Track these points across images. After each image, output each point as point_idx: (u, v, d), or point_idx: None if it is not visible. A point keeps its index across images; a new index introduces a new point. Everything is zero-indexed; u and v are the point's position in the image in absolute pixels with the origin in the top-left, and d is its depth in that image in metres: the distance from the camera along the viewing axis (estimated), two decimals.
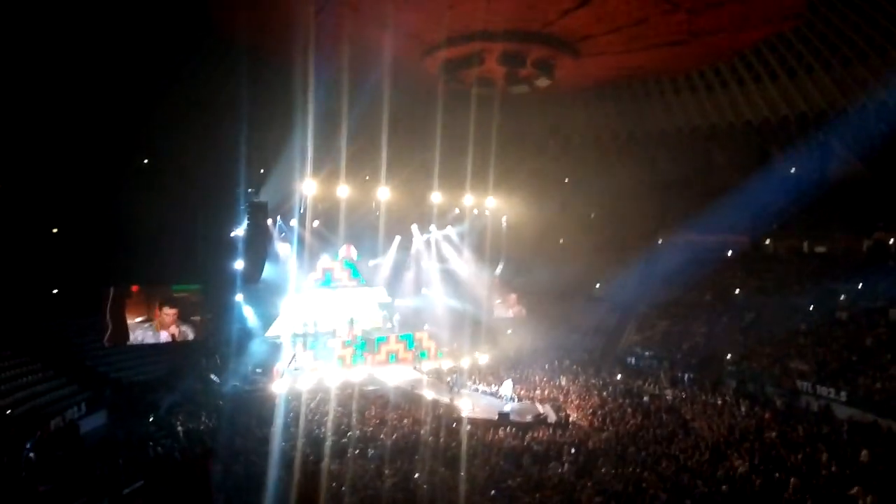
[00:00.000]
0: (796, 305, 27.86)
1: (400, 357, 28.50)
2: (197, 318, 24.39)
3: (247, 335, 25.49)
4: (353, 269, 30.53)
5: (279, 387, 22.16)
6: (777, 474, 13.89)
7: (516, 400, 22.07)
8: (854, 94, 26.76)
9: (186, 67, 26.18)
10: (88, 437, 17.94)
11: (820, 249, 32.08)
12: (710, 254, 32.53)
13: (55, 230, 26.94)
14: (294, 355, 25.09)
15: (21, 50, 21.66)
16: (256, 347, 25.21)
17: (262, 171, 27.05)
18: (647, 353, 29.00)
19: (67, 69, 23.21)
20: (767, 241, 33.79)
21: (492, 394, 22.87)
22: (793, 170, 33.21)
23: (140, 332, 23.36)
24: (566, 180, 37.67)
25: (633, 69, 29.08)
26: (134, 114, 26.01)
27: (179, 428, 17.88)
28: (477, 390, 23.36)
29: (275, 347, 25.58)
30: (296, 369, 24.88)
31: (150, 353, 24.26)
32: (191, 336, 23.98)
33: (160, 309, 23.66)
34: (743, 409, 20.40)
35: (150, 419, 19.30)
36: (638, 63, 27.94)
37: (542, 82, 27.64)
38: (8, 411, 17.56)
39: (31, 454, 14.70)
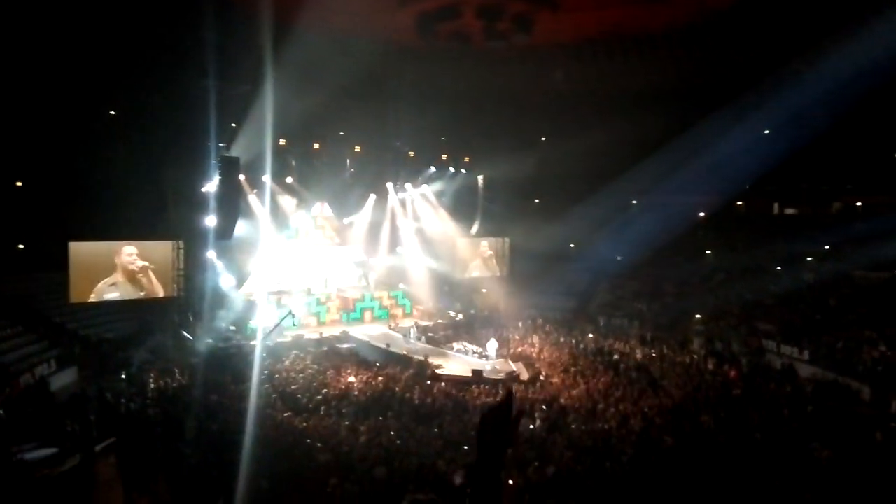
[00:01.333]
0: (765, 266, 28.43)
1: (374, 316, 28.83)
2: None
3: (220, 292, 25.24)
4: (327, 227, 30.39)
5: (254, 344, 22.09)
6: (741, 430, 14.33)
7: (498, 359, 22.15)
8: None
9: (153, 14, 25.21)
10: (59, 394, 17.77)
11: (790, 211, 32.61)
12: (683, 214, 32.86)
13: (19, 184, 26.18)
14: (290, 312, 25.03)
15: None
16: (230, 304, 25.03)
17: (233, 125, 26.40)
18: (618, 313, 29.47)
19: (30, 18, 22.19)
20: (739, 203, 34.22)
21: (476, 353, 22.98)
22: (766, 131, 33.48)
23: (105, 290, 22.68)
24: (543, 139, 37.48)
25: (612, 25, 28.68)
26: (100, 64, 25.06)
27: (152, 385, 17.79)
28: (464, 350, 23.42)
29: (249, 304, 25.43)
30: (294, 325, 24.78)
31: (120, 310, 23.95)
32: (160, 292, 23.41)
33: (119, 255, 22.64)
34: (710, 367, 20.92)
35: (122, 376, 19.16)
36: (616, 19, 27.56)
37: (521, 38, 27.17)
38: None
39: (1, 411, 14.56)
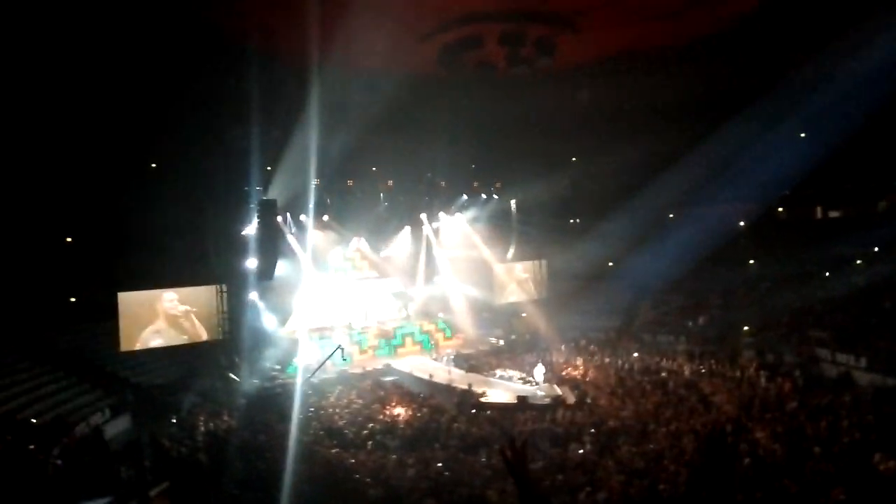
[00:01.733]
0: (812, 272, 27.63)
1: (415, 342, 28.95)
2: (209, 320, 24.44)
3: (263, 332, 25.66)
4: (365, 261, 30.79)
5: (298, 382, 22.31)
6: (800, 444, 13.84)
7: (554, 385, 21.70)
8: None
9: (189, 68, 26.20)
10: (113, 441, 18.20)
11: (834, 214, 31.73)
12: (722, 225, 32.25)
13: (69, 239, 27.20)
14: (339, 346, 25.31)
15: (27, 57, 21.72)
16: (274, 344, 25.39)
17: (268, 168, 27.07)
18: (663, 330, 28.90)
19: (74, 77, 23.28)
20: (780, 209, 33.44)
21: (521, 378, 22.71)
22: (802, 134, 32.81)
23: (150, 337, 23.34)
24: (573, 159, 37.40)
25: (633, 42, 28.69)
26: (139, 118, 26.10)
27: (202, 428, 18.08)
28: (507, 376, 23.19)
29: (292, 343, 25.75)
30: (344, 360, 25.19)
31: (168, 356, 24.50)
32: (204, 336, 23.99)
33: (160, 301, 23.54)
34: (762, 380, 20.30)
35: (173, 420, 19.53)
36: (637, 35, 27.56)
37: (544, 62, 27.36)
38: (32, 420, 17.85)
39: (59, 461, 14.97)
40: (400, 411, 18.92)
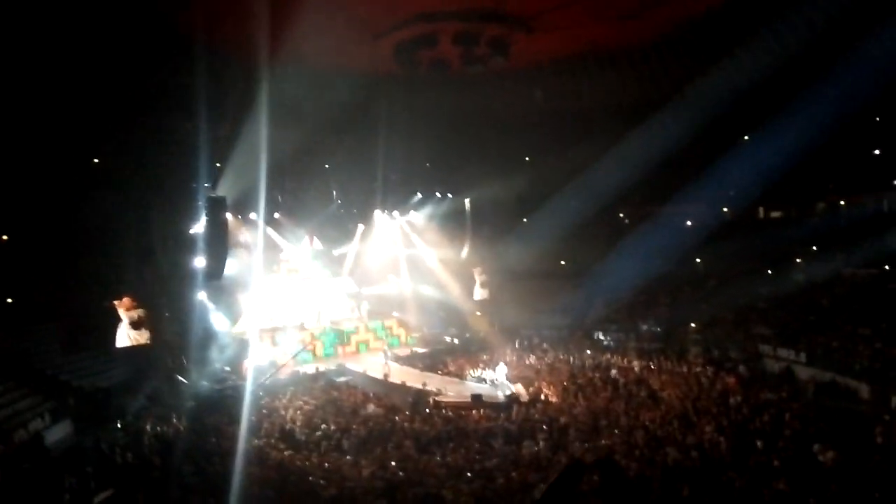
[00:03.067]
0: (755, 270, 28.59)
1: (371, 347, 28.54)
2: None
3: (212, 333, 25.08)
4: (318, 260, 30.38)
5: (248, 383, 21.89)
6: (744, 437, 14.29)
7: (508, 383, 21.64)
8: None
9: (136, 61, 25.41)
10: (55, 447, 17.49)
11: (775, 214, 32.85)
12: (671, 225, 33.04)
13: (5, 237, 26.05)
14: (302, 349, 24.93)
15: None
16: (223, 345, 24.85)
17: (217, 164, 26.48)
18: (613, 327, 29.46)
19: (13, 67, 22.28)
20: (725, 209, 34.42)
21: (484, 379, 22.70)
22: (745, 137, 33.89)
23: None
24: (527, 159, 37.75)
25: (588, 44, 29.10)
26: (83, 111, 25.17)
27: (149, 432, 17.56)
28: (476, 377, 23.18)
29: (242, 344, 25.26)
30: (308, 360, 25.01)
31: (113, 358, 23.70)
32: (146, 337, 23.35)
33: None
34: (709, 375, 20.90)
35: (118, 425, 18.90)
36: (591, 37, 27.96)
37: (498, 61, 27.52)
38: None
39: None
40: (353, 412, 18.74)
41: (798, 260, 28.03)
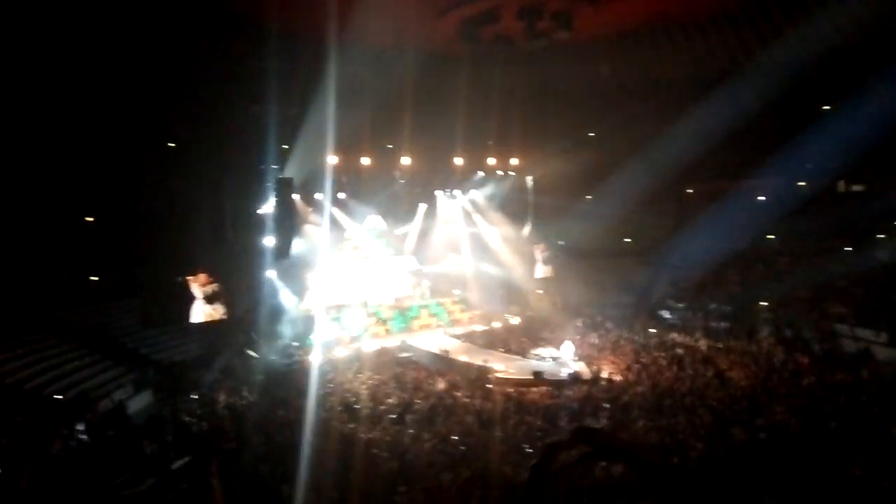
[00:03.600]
0: (832, 248, 27.26)
1: (433, 325, 29.02)
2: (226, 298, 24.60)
3: (281, 309, 25.93)
4: (381, 239, 30.82)
5: (315, 358, 22.56)
6: (817, 419, 13.79)
7: (577, 362, 21.39)
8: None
9: (206, 44, 26.19)
10: (136, 416, 18.58)
11: (856, 188, 31.15)
12: (743, 200, 31.81)
13: (89, 219, 27.53)
14: (367, 323, 25.72)
15: (50, 37, 21.81)
16: (291, 321, 25.66)
17: (285, 146, 27.13)
18: (680, 306, 28.73)
19: (95, 55, 23.37)
20: (801, 183, 32.83)
21: (552, 357, 22.46)
22: (826, 107, 32.15)
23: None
24: (591, 135, 37.01)
25: (654, 15, 28.18)
26: (156, 96, 26.20)
27: (222, 403, 18.39)
28: (540, 356, 23.00)
29: (308, 320, 26.00)
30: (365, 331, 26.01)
31: (188, 333, 24.85)
32: (221, 313, 24.17)
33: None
34: (780, 355, 20.17)
35: (193, 396, 19.87)
36: (658, 8, 27.07)
37: (562, 34, 27.02)
38: (58, 397, 18.25)
39: (84, 436, 15.33)
40: (416, 387, 19.07)
41: (880, 236, 26.50)
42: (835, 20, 26.64)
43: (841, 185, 31.59)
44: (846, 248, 26.64)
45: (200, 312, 23.33)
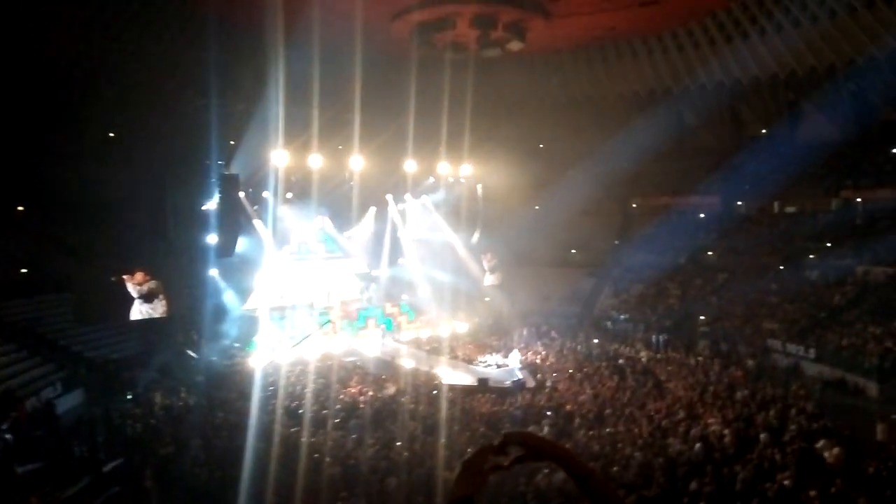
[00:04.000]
0: (767, 265, 28.41)
1: (377, 328, 28.89)
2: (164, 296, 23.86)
3: (223, 310, 25.30)
4: (329, 241, 30.43)
5: (258, 360, 22.10)
6: (749, 431, 14.29)
7: (522, 370, 21.60)
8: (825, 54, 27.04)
9: (151, 35, 25.44)
10: (66, 416, 17.78)
11: (790, 209, 32.57)
12: (684, 216, 32.87)
13: (20, 208, 26.30)
14: (312, 326, 25.28)
15: None
16: (233, 321, 25.07)
17: (231, 142, 26.55)
18: (622, 317, 29.42)
19: (32, 41, 22.39)
20: (739, 203, 34.16)
21: (498, 365, 22.68)
22: (763, 131, 33.58)
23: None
24: (541, 146, 37.60)
25: (606, 30, 28.90)
26: (98, 85, 25.30)
27: (158, 404, 17.81)
28: (486, 364, 23.15)
29: (251, 321, 25.46)
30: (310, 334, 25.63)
31: (124, 330, 23.99)
32: (160, 312, 23.43)
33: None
34: (716, 368, 20.85)
35: (128, 396, 19.17)
36: (610, 24, 27.77)
37: (515, 45, 27.39)
38: None
39: (8, 435, 14.57)
40: (360, 392, 18.89)
41: (811, 256, 27.80)
42: (773, 48, 27.91)
43: (776, 206, 32.95)
44: (779, 267, 27.78)
45: (137, 311, 22.56)
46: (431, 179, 32.42)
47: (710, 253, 31.93)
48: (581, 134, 34.55)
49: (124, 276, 22.39)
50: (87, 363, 22.09)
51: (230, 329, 24.56)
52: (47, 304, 23.99)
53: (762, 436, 13.68)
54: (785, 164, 30.41)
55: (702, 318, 26.45)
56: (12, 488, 11.60)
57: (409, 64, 27.96)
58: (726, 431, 14.26)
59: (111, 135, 28.15)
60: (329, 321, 26.79)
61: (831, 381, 19.60)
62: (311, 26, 23.57)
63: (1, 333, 21.45)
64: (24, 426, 15.58)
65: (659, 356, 23.13)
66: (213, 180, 24.76)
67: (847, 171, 30.30)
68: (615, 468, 12.25)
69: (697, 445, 13.49)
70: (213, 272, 25.05)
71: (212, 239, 24.32)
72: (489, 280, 33.16)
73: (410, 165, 30.74)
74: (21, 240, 24.48)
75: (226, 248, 24.35)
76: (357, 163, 28.86)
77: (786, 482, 11.11)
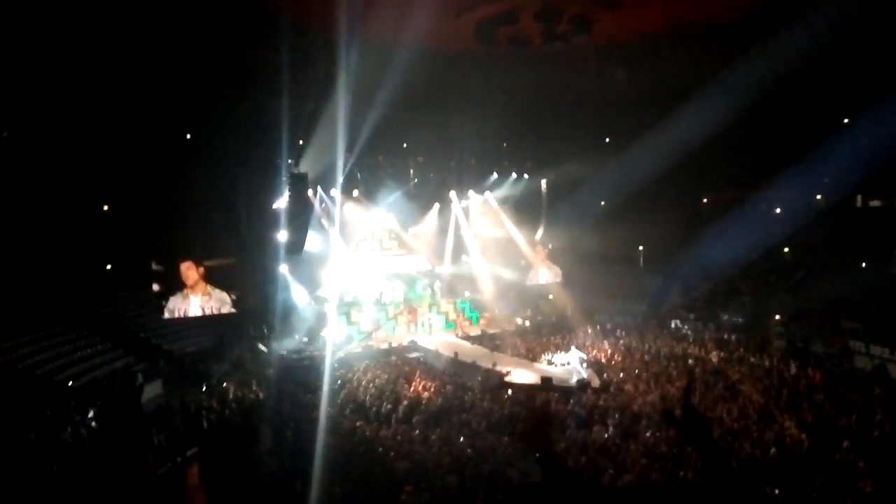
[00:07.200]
0: (848, 262, 27.01)
1: (449, 318, 29.17)
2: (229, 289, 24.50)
3: (292, 305, 26.02)
4: (394, 238, 30.88)
5: (325, 355, 22.61)
6: (828, 436, 13.65)
7: (580, 368, 21.12)
8: None
9: (224, 39, 26.30)
10: (146, 405, 18.65)
11: (874, 203, 30.85)
12: (759, 212, 31.61)
13: (106, 207, 27.75)
14: (376, 328, 25.64)
15: (71, 25, 21.98)
16: (302, 316, 25.75)
17: (300, 142, 27.24)
18: (691, 316, 28.56)
19: (116, 46, 23.51)
20: (818, 196, 32.56)
21: (554, 363, 22.40)
22: (846, 121, 31.88)
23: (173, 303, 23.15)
24: (607, 140, 36.86)
25: (675, 21, 27.99)
26: (175, 89, 26.34)
27: (231, 396, 18.47)
28: (550, 362, 22.85)
29: (320, 316, 26.08)
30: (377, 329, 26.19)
31: (200, 325, 24.98)
32: (225, 307, 24.14)
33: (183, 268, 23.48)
34: (792, 370, 19.98)
35: (203, 388, 19.97)
36: (679, 13, 26.89)
37: (580, 38, 26.90)
38: (69, 383, 18.40)
39: (93, 423, 15.43)
40: (424, 388, 19.07)
41: None
42: (858, 30, 26.38)
43: (858, 200, 31.27)
44: (862, 264, 26.36)
45: (198, 307, 23.35)
46: (495, 175, 32.38)
47: (786, 249, 30.59)
48: (650, 128, 33.65)
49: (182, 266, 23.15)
50: (165, 356, 23.15)
51: (299, 324, 25.22)
52: (130, 299, 25.28)
53: (844, 441, 13.04)
54: (869, 156, 28.76)
55: (777, 317, 25.39)
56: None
57: (471, 59, 27.93)
58: (803, 436, 13.67)
59: (188, 136, 29.34)
60: (392, 319, 27.08)
61: None
62: (376, 25, 23.88)
63: (87, 326, 22.77)
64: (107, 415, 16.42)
65: (731, 357, 22.35)
66: (284, 179, 25.50)
67: None
68: (683, 471, 11.93)
69: (772, 450, 12.98)
70: (283, 268, 25.80)
71: (282, 236, 25.05)
72: (554, 277, 32.83)
73: (473, 163, 30.84)
74: (107, 237, 25.84)
75: (295, 245, 25.04)
76: (421, 160, 29.19)
77: (867, 489, 10.56)
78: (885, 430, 13.83)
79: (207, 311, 23.44)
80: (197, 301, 23.44)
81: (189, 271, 23.37)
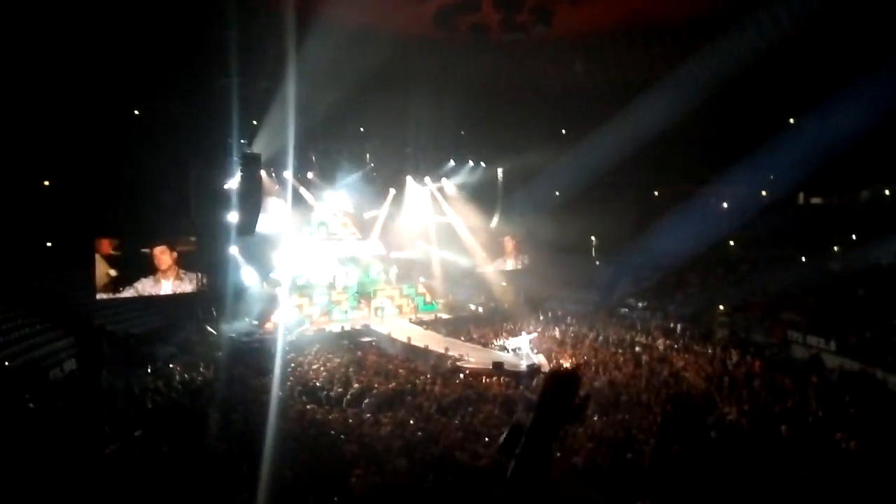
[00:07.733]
0: (790, 257, 28.01)
1: (396, 304, 29.00)
2: (194, 272, 24.21)
3: (243, 287, 25.55)
4: (348, 222, 30.60)
5: (276, 337, 22.31)
6: (766, 421, 14.17)
7: (531, 353, 21.26)
8: None
9: (175, 14, 25.49)
10: None
11: (815, 201, 32.04)
12: (707, 206, 32.47)
13: (46, 183, 26.67)
14: (306, 325, 25.39)
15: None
16: (252, 299, 25.32)
17: (254, 122, 26.65)
18: (640, 305, 29.23)
19: (58, 18, 22.55)
20: (763, 192, 33.66)
21: (506, 348, 22.44)
22: (791, 120, 32.93)
23: (141, 283, 23.02)
24: (563, 131, 37.20)
25: (634, 15, 28.38)
26: (122, 62, 25.41)
27: (177, 379, 18.07)
28: (502, 347, 22.92)
29: (271, 299, 25.69)
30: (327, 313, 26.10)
31: (145, 306, 24.34)
32: (189, 288, 23.85)
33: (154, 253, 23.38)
34: (734, 358, 20.67)
35: (148, 370, 19.47)
36: (638, 8, 27.29)
37: (540, 29, 27.03)
38: (5, 364, 17.68)
39: (31, 405, 14.89)
40: (376, 371, 19.03)
41: (836, 248, 27.36)
42: (808, 31, 27.22)
43: (801, 197, 32.43)
44: (802, 258, 27.38)
45: (160, 286, 22.89)
46: (452, 163, 32.38)
47: (731, 243, 31.54)
48: (605, 120, 34.08)
49: (156, 249, 22.74)
50: (108, 336, 22.44)
51: (250, 306, 24.80)
52: (70, 278, 24.39)
53: (781, 426, 13.56)
54: (813, 154, 29.80)
55: (721, 308, 26.20)
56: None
57: (431, 46, 27.77)
58: (743, 421, 14.17)
59: (136, 112, 28.37)
60: (348, 301, 26.90)
61: (852, 373, 19.33)
62: (334, 4, 23.48)
63: (26, 306, 21.89)
64: (47, 397, 15.88)
65: (676, 345, 22.98)
66: (235, 159, 24.92)
67: (877, 163, 29.62)
68: (629, 454, 12.22)
69: (713, 433, 13.42)
70: (234, 250, 25.28)
71: (233, 217, 24.52)
72: (508, 264, 33.13)
73: (430, 149, 30.77)
74: (46, 214, 24.85)
75: (247, 227, 24.53)
76: (377, 145, 28.95)
77: (802, 473, 11.02)
78: (819, 415, 14.46)
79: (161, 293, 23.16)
80: (169, 285, 23.16)
81: (163, 255, 22.99)
